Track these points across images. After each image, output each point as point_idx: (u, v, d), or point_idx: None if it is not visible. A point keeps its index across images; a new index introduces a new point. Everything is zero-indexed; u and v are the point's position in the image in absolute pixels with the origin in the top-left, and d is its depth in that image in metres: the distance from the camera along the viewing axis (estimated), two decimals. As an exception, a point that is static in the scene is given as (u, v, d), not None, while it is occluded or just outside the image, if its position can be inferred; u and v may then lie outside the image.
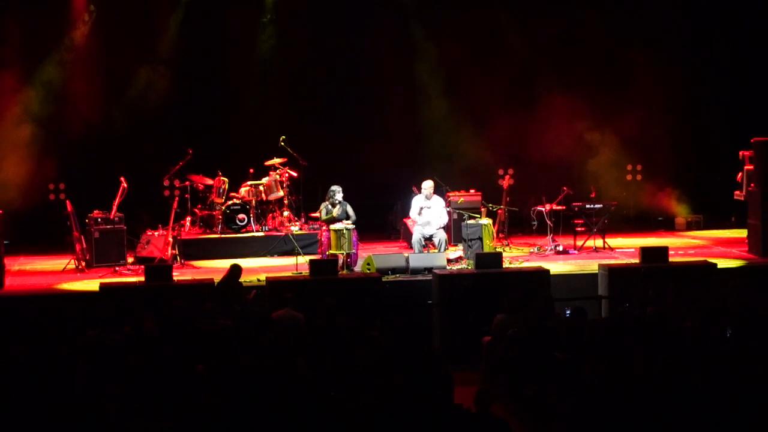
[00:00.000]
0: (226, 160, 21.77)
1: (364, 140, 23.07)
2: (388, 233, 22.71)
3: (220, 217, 20.98)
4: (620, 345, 12.16)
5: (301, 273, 17.74)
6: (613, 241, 20.60)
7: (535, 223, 20.74)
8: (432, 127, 23.47)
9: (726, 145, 22.29)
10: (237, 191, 21.39)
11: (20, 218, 21.33)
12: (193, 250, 20.23)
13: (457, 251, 19.49)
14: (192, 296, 15.21)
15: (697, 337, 12.36)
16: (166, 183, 22.24)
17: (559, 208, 20.56)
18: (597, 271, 17.36)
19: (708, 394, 10.55)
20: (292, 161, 21.70)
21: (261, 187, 21.36)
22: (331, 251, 18.52)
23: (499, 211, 20.67)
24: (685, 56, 23.65)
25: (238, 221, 20.99)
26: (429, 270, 17.60)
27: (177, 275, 17.23)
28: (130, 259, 19.68)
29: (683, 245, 20.69)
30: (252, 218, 21.10)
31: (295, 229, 20.95)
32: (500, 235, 20.55)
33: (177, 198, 20.65)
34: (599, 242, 20.36)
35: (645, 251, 17.37)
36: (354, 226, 18.77)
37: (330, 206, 19.20)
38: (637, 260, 17.49)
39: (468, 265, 18.29)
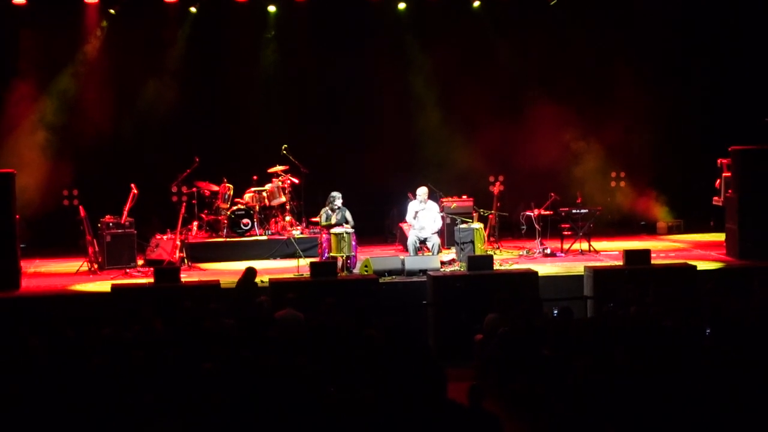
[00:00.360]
0: (231, 168, 21.76)
1: (361, 149, 23.07)
2: (384, 237, 22.70)
3: (226, 221, 20.98)
4: (605, 343, 12.17)
5: (302, 274, 17.73)
6: (598, 245, 20.59)
7: (524, 227, 20.76)
8: (426, 136, 23.46)
9: (705, 153, 22.30)
10: (241, 197, 21.39)
11: (36, 223, 21.37)
12: (199, 253, 20.22)
13: (450, 254, 19.51)
14: (199, 297, 15.21)
15: (677, 335, 12.37)
16: (174, 189, 22.24)
17: (547, 213, 20.58)
18: (583, 273, 17.36)
19: (687, 388, 10.56)
20: (293, 169, 21.71)
21: (264, 194, 21.36)
22: (331, 254, 18.53)
23: (490, 216, 20.68)
24: (666, 69, 23.64)
25: (242, 225, 20.99)
26: (423, 272, 17.61)
27: (184, 277, 17.26)
28: (140, 262, 19.67)
29: (664, 248, 20.69)
30: (256, 223, 21.10)
31: (296, 233, 20.95)
32: (491, 239, 20.56)
33: (185, 203, 20.67)
34: (585, 245, 20.39)
35: (628, 254, 17.37)
36: (353, 230, 18.79)
37: (330, 211, 19.21)
38: (620, 262, 17.50)
39: (460, 267, 18.28)
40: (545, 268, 18.34)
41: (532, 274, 17.01)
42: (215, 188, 21.30)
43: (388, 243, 22.29)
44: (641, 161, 23.69)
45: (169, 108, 22.59)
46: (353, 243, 18.61)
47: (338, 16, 22.94)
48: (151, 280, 16.69)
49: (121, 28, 22.07)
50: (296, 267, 18.64)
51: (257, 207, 21.25)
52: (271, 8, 22.39)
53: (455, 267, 18.62)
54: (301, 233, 21.00)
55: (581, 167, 23.16)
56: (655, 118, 23.44)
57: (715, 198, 20.91)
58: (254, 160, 22.09)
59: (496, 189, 21.24)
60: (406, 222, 20.05)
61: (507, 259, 19.65)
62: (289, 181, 21.55)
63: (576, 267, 18.28)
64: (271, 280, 16.74)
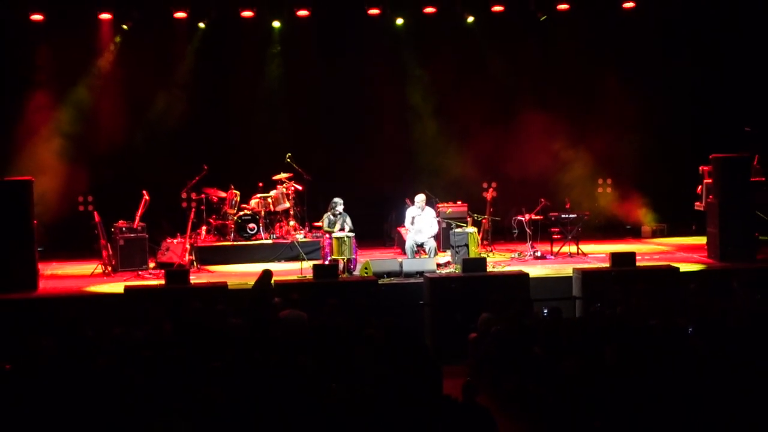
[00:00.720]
0: (237, 175, 21.75)
1: (361, 157, 23.06)
2: (383, 241, 22.66)
3: (233, 226, 20.97)
4: (593, 341, 12.16)
5: (305, 276, 17.73)
6: (586, 248, 20.56)
7: (516, 231, 20.75)
8: (423, 145, 23.43)
9: (687, 161, 22.28)
10: (248, 203, 21.38)
11: (53, 227, 21.37)
12: (208, 256, 20.20)
13: (445, 257, 19.48)
14: (207, 298, 15.19)
15: (661, 333, 12.36)
16: (184, 195, 22.20)
17: (537, 217, 20.57)
18: (572, 275, 17.34)
19: (671, 384, 10.55)
20: (297, 176, 21.71)
21: (269, 200, 21.36)
22: (332, 257, 18.52)
23: (484, 221, 20.65)
24: (651, 81, 23.62)
25: (248, 230, 20.97)
26: (421, 274, 17.61)
27: (194, 279, 17.24)
28: (152, 264, 19.65)
29: (649, 251, 20.66)
30: (261, 227, 21.09)
31: (299, 237, 20.94)
32: (484, 242, 20.53)
33: (194, 209, 20.64)
34: (573, 248, 20.36)
35: (615, 256, 17.35)
36: (353, 234, 18.78)
37: (332, 216, 19.21)
38: (607, 264, 17.47)
39: (456, 270, 18.28)
40: (536, 270, 18.33)
41: (523, 276, 16.99)
42: (223, 194, 21.30)
43: (386, 246, 22.26)
44: (627, 168, 23.65)
45: (178, 119, 22.59)
46: (354, 246, 18.61)
47: (339, 31, 22.95)
48: (162, 281, 16.68)
49: (134, 43, 22.07)
50: (300, 269, 18.62)
51: (263, 212, 21.25)
52: (276, 23, 22.37)
53: (451, 269, 18.61)
54: (305, 237, 20.99)
55: (570, 174, 23.15)
56: (640, 127, 23.41)
57: (697, 203, 20.89)
58: (260, 168, 22.08)
59: (489, 195, 21.22)
60: (404, 226, 20.04)
61: (500, 261, 19.64)
62: (293, 188, 21.55)
63: (565, 269, 18.26)
64: (275, 282, 16.72)
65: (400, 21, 22.33)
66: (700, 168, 20.68)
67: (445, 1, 21.83)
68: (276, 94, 23.29)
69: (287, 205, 21.42)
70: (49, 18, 20.92)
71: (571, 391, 10.63)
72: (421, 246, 19.30)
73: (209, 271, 19.49)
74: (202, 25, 22.01)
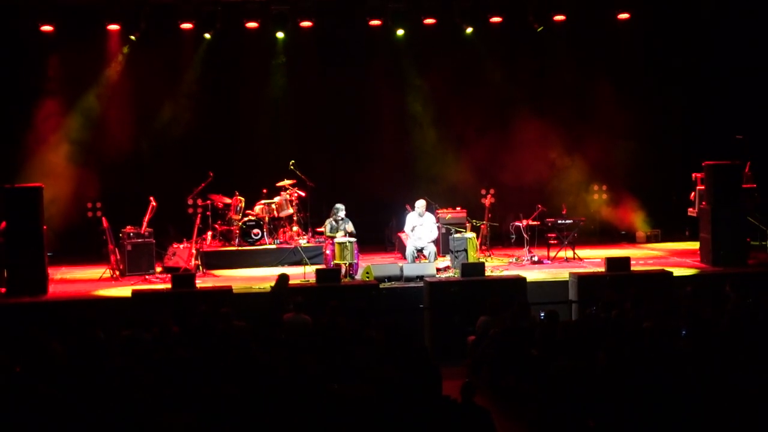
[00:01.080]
0: (242, 182, 21.79)
1: (363, 164, 23.10)
2: (384, 246, 22.68)
3: (237, 231, 21.01)
4: (588, 343, 12.17)
5: (308, 280, 17.77)
6: (582, 252, 20.61)
7: (514, 236, 20.78)
8: (423, 152, 23.46)
9: (681, 168, 22.32)
10: (252, 209, 21.42)
11: (62, 233, 21.39)
12: (213, 261, 20.25)
13: (445, 261, 19.54)
14: (212, 301, 15.22)
15: (654, 336, 12.38)
16: (190, 202, 22.26)
17: (535, 223, 20.60)
18: (568, 279, 17.38)
19: (664, 384, 10.57)
20: (300, 183, 21.75)
21: (273, 206, 21.39)
22: (335, 261, 18.55)
23: (482, 226, 20.69)
24: (645, 89, 23.65)
25: (253, 235, 21.01)
26: (421, 278, 17.64)
27: (199, 283, 17.28)
28: (159, 269, 19.70)
29: (643, 256, 20.69)
30: (265, 233, 21.13)
31: (303, 242, 20.97)
32: (483, 248, 20.56)
33: (199, 215, 20.70)
34: (570, 253, 20.40)
35: (610, 261, 17.39)
36: (355, 239, 18.82)
37: (334, 222, 19.26)
38: (602, 269, 17.51)
39: (455, 274, 18.31)
40: (533, 275, 18.34)
41: (520, 280, 17.03)
42: (228, 201, 21.34)
43: (387, 251, 22.29)
44: (621, 175, 23.67)
45: (184, 127, 22.62)
46: (355, 251, 18.64)
47: (341, 42, 22.99)
48: (169, 285, 16.73)
49: (141, 53, 22.10)
50: (303, 273, 18.67)
51: (267, 218, 21.28)
52: (280, 34, 22.41)
53: (450, 273, 18.64)
54: (308, 242, 21.02)
55: (566, 181, 23.17)
56: (634, 135, 23.43)
57: (690, 209, 20.92)
58: (264, 175, 22.11)
59: (488, 201, 21.26)
60: (404, 232, 20.07)
61: (498, 266, 19.66)
62: (296, 194, 21.59)
63: (561, 273, 18.27)
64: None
65: (400, 32, 22.36)
66: (693, 175, 20.73)
67: (444, 13, 21.85)
68: (279, 103, 23.34)
69: (291, 211, 21.45)
70: (59, 29, 20.95)
71: (567, 392, 10.65)
72: (421, 251, 19.33)
73: (214, 276, 19.53)
74: (207, 36, 22.03)
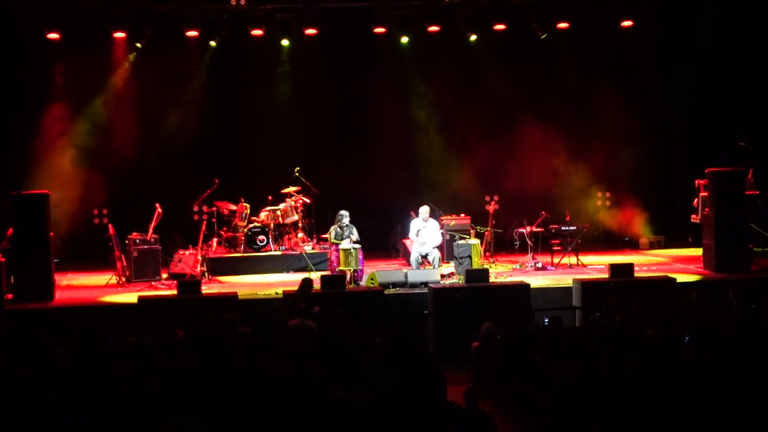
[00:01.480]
0: (247, 189, 21.82)
1: (367, 171, 23.13)
2: (389, 252, 22.71)
3: (243, 238, 21.03)
4: (591, 349, 12.17)
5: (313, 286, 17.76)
6: (586, 259, 20.60)
7: (517, 243, 20.81)
8: (427, 159, 23.50)
9: (684, 174, 22.32)
10: (257, 215, 21.45)
11: (69, 239, 21.47)
12: (219, 267, 20.28)
13: (449, 268, 19.54)
14: (218, 307, 15.23)
15: (658, 342, 12.38)
16: (196, 208, 22.30)
17: (538, 229, 20.61)
18: (571, 285, 17.38)
19: (667, 390, 10.57)
20: (305, 189, 21.78)
21: (278, 212, 21.42)
22: (340, 267, 18.56)
23: (486, 233, 20.71)
24: (649, 96, 23.66)
25: (258, 242, 21.03)
26: (425, 284, 17.65)
27: (205, 289, 17.29)
28: (165, 275, 19.71)
29: (647, 262, 20.68)
30: (270, 239, 21.15)
31: (308, 248, 20.99)
32: (487, 254, 20.58)
33: (205, 221, 20.73)
34: (573, 260, 20.40)
35: (613, 267, 17.38)
36: (359, 245, 18.83)
37: (338, 229, 19.27)
38: (606, 275, 17.51)
39: (459, 280, 18.31)
40: (537, 281, 18.36)
41: (524, 286, 17.02)
42: (233, 207, 21.37)
43: (392, 257, 22.31)
44: (625, 181, 23.68)
45: (190, 134, 22.70)
46: (360, 257, 18.65)
47: (346, 49, 23.04)
48: (175, 292, 16.75)
49: (147, 61, 22.17)
50: (308, 280, 18.69)
51: (272, 225, 21.30)
52: (285, 42, 22.45)
53: (454, 280, 18.65)
54: (313, 249, 21.04)
55: (569, 187, 23.20)
56: (638, 141, 23.45)
57: (693, 216, 20.93)
58: (269, 182, 22.14)
59: (491, 208, 21.29)
60: (408, 238, 20.08)
61: (502, 272, 19.68)
62: (301, 201, 21.61)
63: (565, 279, 18.29)
64: (284, 292, 16.78)
65: (405, 39, 22.40)
66: (697, 181, 20.73)
67: (448, 20, 21.88)
68: (284, 110, 23.39)
69: (296, 217, 21.47)
70: (65, 37, 20.99)
71: (570, 398, 10.65)
72: (425, 257, 19.34)
73: (220, 282, 19.55)
74: (213, 43, 22.09)
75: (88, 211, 22.75)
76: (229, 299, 16.31)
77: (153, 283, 19.16)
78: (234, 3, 20.60)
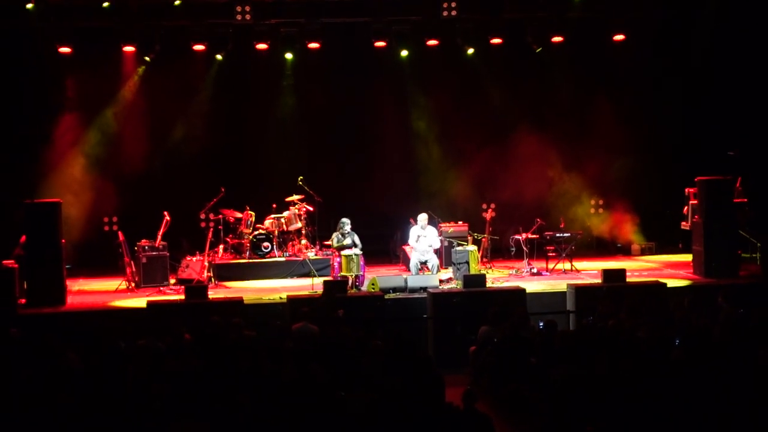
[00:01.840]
0: (253, 197, 21.84)
1: (368, 180, 23.16)
2: (389, 258, 22.73)
3: (248, 244, 21.05)
4: (585, 352, 12.18)
5: (316, 292, 17.78)
6: (580, 264, 20.60)
7: (513, 249, 20.80)
8: (426, 168, 23.51)
9: (674, 183, 22.32)
10: (262, 223, 21.47)
11: (80, 246, 21.47)
12: (225, 273, 20.29)
13: (447, 273, 19.54)
14: (224, 312, 15.23)
15: (649, 345, 12.39)
16: (203, 216, 22.29)
17: (534, 236, 20.62)
18: (566, 290, 17.39)
19: (658, 391, 10.58)
20: (308, 198, 21.79)
21: (282, 220, 21.43)
22: (341, 273, 18.58)
23: (483, 239, 20.71)
24: (641, 107, 23.67)
25: (263, 248, 21.05)
26: (424, 289, 17.65)
27: (212, 294, 17.31)
28: (173, 281, 19.73)
29: (638, 268, 20.66)
30: (275, 246, 21.16)
31: (311, 254, 21.00)
32: (484, 260, 20.58)
33: (212, 229, 20.72)
34: (567, 265, 20.40)
35: (606, 273, 17.38)
36: (361, 252, 18.85)
37: (340, 236, 19.29)
38: (599, 281, 17.50)
39: (457, 285, 18.32)
40: (532, 286, 18.35)
41: (520, 291, 17.03)
42: (239, 215, 21.39)
43: (392, 263, 22.32)
44: (618, 190, 23.68)
45: (197, 144, 22.72)
46: (361, 263, 18.67)
47: (347, 62, 23.07)
48: (182, 296, 16.76)
49: (156, 74, 22.20)
50: (311, 285, 18.71)
51: (276, 232, 21.32)
52: (288, 55, 22.49)
53: (452, 285, 18.65)
54: (315, 255, 21.05)
55: (564, 196, 23.21)
56: (630, 151, 23.43)
57: (683, 223, 20.93)
58: (273, 191, 22.16)
59: (488, 215, 21.29)
60: (408, 245, 20.10)
61: (498, 277, 19.67)
62: (304, 209, 21.63)
63: (560, 284, 18.28)
64: (288, 297, 16.79)
65: (404, 53, 22.42)
66: (687, 190, 20.73)
67: (446, 35, 21.91)
68: (288, 121, 23.41)
69: (299, 225, 21.49)
70: (76, 51, 21.02)
71: (565, 399, 10.66)
72: (424, 263, 19.35)
73: (226, 287, 19.57)
74: (219, 57, 22.11)
75: (99, 219, 22.77)
76: (235, 304, 16.33)
77: (161, 288, 19.17)
78: (239, 18, 20.63)
